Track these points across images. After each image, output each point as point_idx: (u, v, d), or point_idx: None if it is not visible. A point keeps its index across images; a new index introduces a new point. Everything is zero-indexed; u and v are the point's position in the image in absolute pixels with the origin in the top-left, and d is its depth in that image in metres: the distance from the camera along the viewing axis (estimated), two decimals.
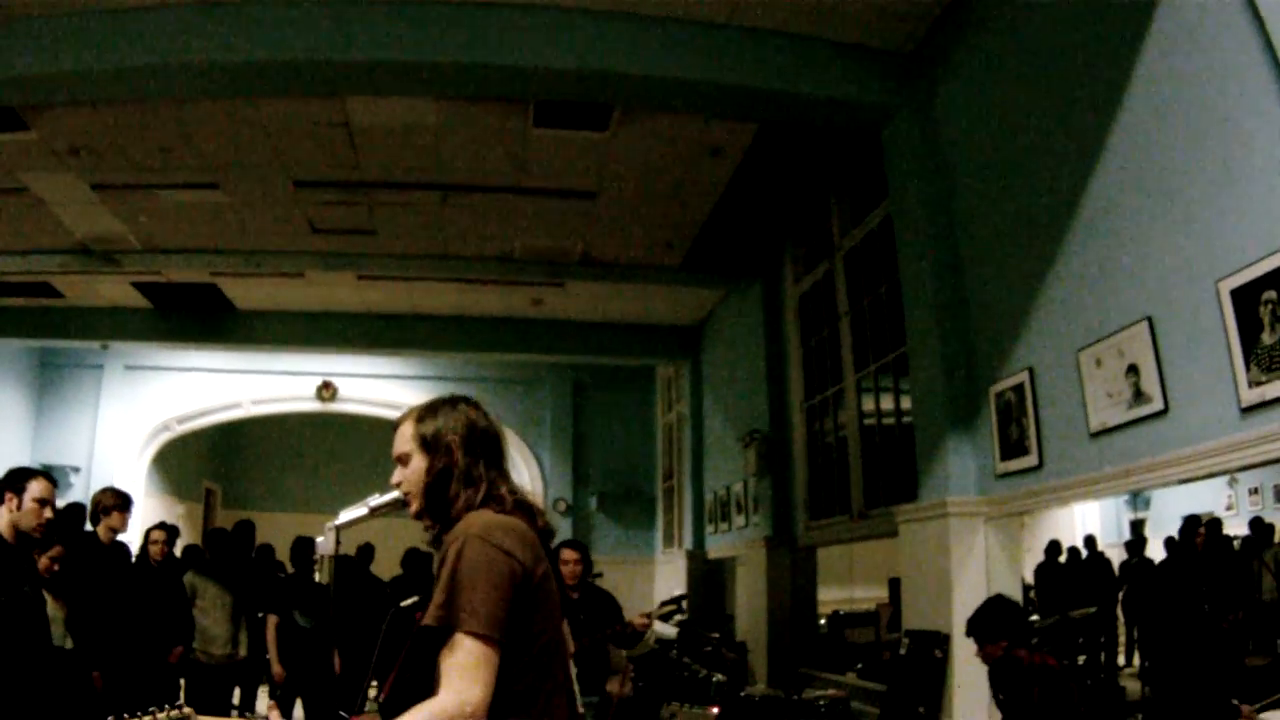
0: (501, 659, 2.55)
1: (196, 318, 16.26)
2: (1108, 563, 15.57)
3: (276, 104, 9.43)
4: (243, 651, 9.45)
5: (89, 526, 8.24)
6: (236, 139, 10.09)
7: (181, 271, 14.13)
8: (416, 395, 18.17)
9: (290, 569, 10.04)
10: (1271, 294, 4.70)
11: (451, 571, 2.58)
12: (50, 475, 5.70)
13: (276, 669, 9.11)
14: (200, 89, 8.69)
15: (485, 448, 2.94)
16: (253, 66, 8.13)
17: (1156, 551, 14.50)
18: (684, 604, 13.42)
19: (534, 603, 2.67)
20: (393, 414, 18.19)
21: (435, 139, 10.18)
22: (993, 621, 5.89)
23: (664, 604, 8.98)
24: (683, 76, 8.44)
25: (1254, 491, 17.14)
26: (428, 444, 2.91)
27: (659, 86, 8.60)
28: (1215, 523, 12.26)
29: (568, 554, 8.14)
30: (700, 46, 8.38)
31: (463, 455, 2.88)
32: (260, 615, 9.77)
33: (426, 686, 2.63)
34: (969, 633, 5.98)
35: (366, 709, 3.77)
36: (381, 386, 19.45)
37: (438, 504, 2.89)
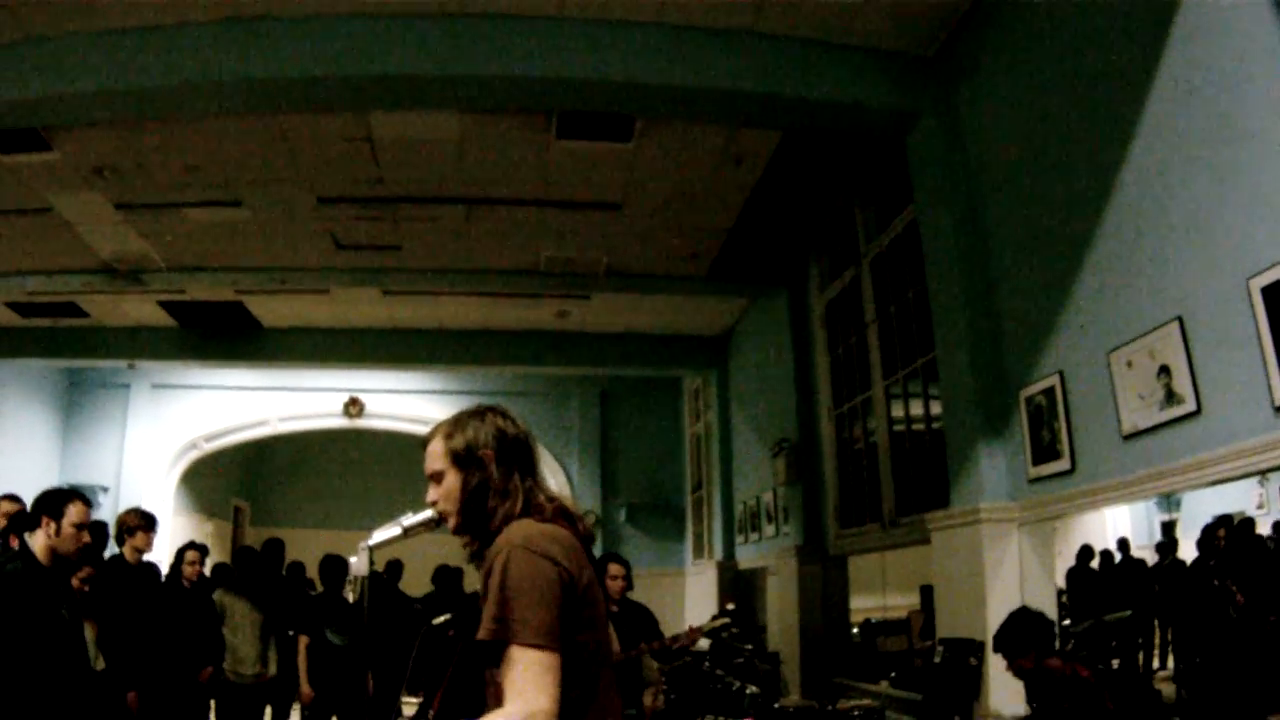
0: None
1: (222, 336, 16.33)
2: (1141, 565, 15.46)
3: (299, 120, 9.45)
4: (272, 670, 9.44)
5: (114, 548, 8.24)
6: (259, 156, 10.13)
7: (206, 290, 14.19)
8: (444, 410, 18.20)
9: (320, 587, 10.01)
10: None
11: (500, 584, 2.55)
12: (86, 498, 5.69)
13: (305, 689, 9.08)
14: (223, 106, 8.71)
15: (518, 456, 2.90)
16: (274, 83, 8.15)
17: (1189, 552, 14.39)
18: (733, 616, 13.37)
19: (581, 611, 2.64)
20: (420, 429, 18.32)
21: (458, 152, 10.18)
22: (1019, 635, 5.83)
23: (715, 617, 8.90)
24: (705, 85, 8.42)
25: None
26: (460, 459, 2.87)
27: (681, 96, 8.57)
28: (1248, 522, 12.13)
29: (615, 569, 8.13)
30: (722, 55, 8.36)
31: (496, 467, 2.84)
32: (291, 634, 9.75)
33: (476, 703, 2.60)
34: (997, 649, 5.93)
35: None
36: (409, 402, 19.48)
37: (476, 519, 2.85)
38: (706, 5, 8.08)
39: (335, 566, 9.61)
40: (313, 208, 11.38)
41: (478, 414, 2.97)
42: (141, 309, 15.25)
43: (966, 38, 8.38)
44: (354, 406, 19.28)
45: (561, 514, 2.83)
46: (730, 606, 14.05)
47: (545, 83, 8.35)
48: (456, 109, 9.25)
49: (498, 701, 2.51)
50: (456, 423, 2.95)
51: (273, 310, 15.72)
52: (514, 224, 12.03)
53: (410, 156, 10.25)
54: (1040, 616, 5.89)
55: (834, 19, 8.23)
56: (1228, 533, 11.24)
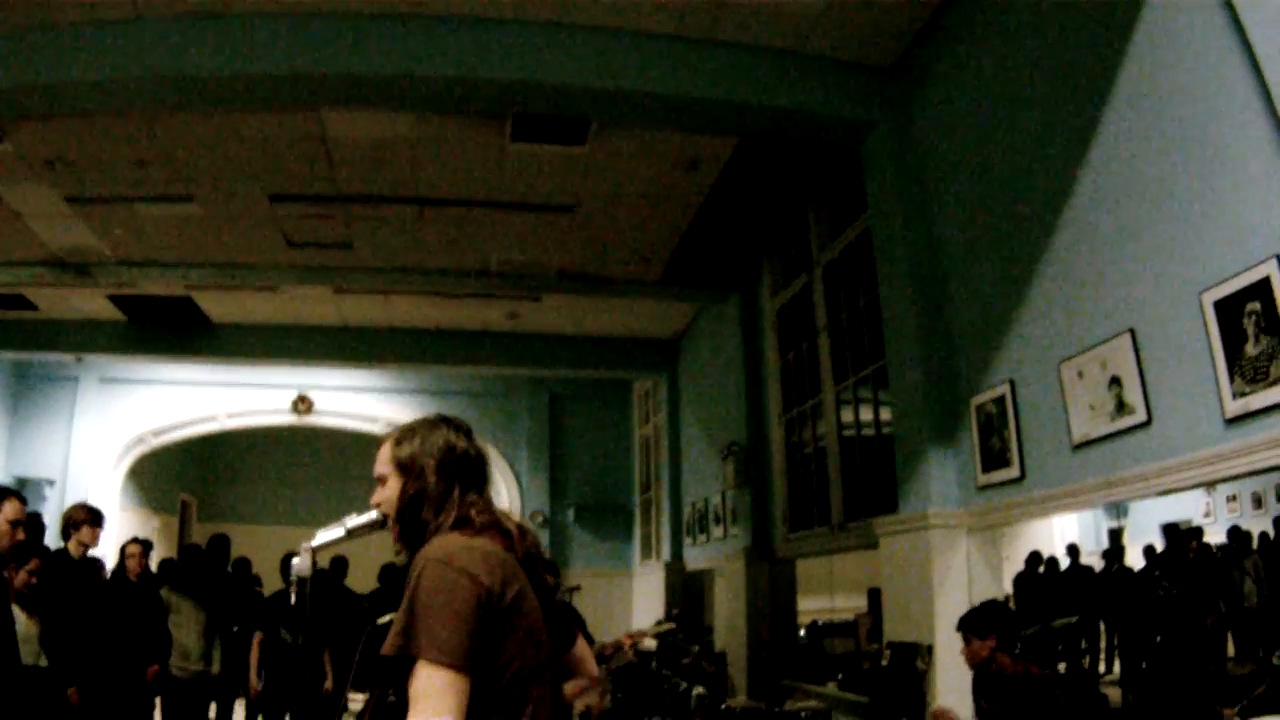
0: (471, 689, 2.47)
1: (171, 331, 16.19)
2: (1088, 571, 15.63)
3: (253, 117, 9.39)
4: (216, 668, 9.38)
5: (60, 542, 8.17)
6: (212, 152, 10.05)
7: (156, 284, 14.06)
8: (393, 408, 18.22)
9: (266, 584, 9.95)
10: (1255, 305, 4.72)
11: (411, 598, 2.52)
12: (21, 495, 5.66)
13: (254, 683, 9.04)
14: (176, 102, 8.65)
15: (463, 471, 2.89)
16: (229, 79, 8.08)
17: (1135, 559, 14.56)
18: (680, 622, 13.38)
19: (504, 629, 2.60)
20: (369, 427, 18.31)
21: (412, 153, 10.16)
22: (988, 618, 5.92)
23: (660, 623, 8.93)
24: (661, 91, 8.44)
25: (1232, 499, 17.25)
26: (403, 466, 2.87)
27: (637, 101, 8.59)
28: (1196, 531, 12.32)
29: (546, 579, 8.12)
30: (678, 61, 8.38)
31: (435, 479, 2.83)
32: (235, 630, 9.71)
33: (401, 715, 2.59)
34: (961, 627, 6.02)
35: None
36: (358, 399, 19.40)
37: (410, 528, 2.85)
38: (664, 11, 8.09)
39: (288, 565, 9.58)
40: (265, 205, 11.31)
41: (432, 424, 2.97)
42: (91, 302, 15.10)
43: (923, 49, 8.45)
44: (303, 403, 19.18)
45: (493, 527, 2.81)
46: (675, 611, 14.10)
47: (501, 85, 8.33)
48: (411, 109, 9.22)
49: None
50: (409, 430, 2.96)
51: (223, 306, 15.61)
52: (466, 225, 12.01)
53: (364, 156, 10.21)
54: (1011, 612, 5.98)
55: (792, 28, 8.27)
56: (1198, 545, 11.42)
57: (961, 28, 7.92)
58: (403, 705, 2.50)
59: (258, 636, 9.17)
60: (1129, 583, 12.91)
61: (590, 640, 8.12)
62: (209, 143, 9.88)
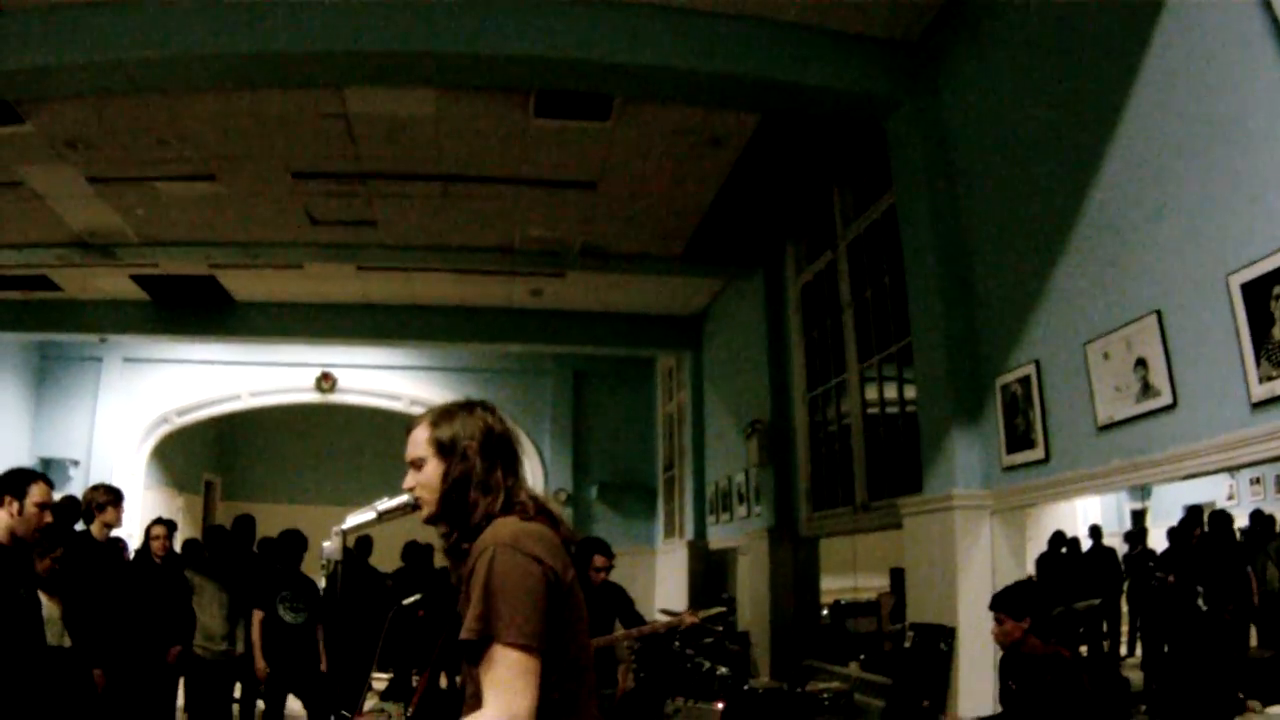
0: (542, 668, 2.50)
1: (195, 310, 16.21)
2: (1111, 553, 15.54)
3: (274, 95, 9.37)
4: (240, 648, 9.38)
5: (82, 524, 8.17)
6: (234, 130, 10.04)
7: (179, 264, 14.10)
8: (416, 386, 18.23)
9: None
10: None
11: (485, 582, 2.52)
12: (48, 479, 5.65)
13: (260, 664, 9.02)
14: (197, 81, 8.65)
15: (502, 453, 2.87)
16: (250, 58, 8.06)
17: (1158, 541, 14.47)
18: (730, 606, 13.37)
19: (566, 609, 2.63)
20: (392, 405, 18.32)
21: (435, 129, 10.12)
22: (1024, 598, 5.88)
23: (713, 608, 8.90)
24: (685, 67, 8.38)
25: (1256, 482, 17.11)
26: (444, 449, 2.85)
27: (661, 76, 8.54)
28: (1224, 515, 12.21)
29: (600, 560, 8.09)
30: (702, 36, 8.32)
31: (480, 461, 2.82)
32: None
33: (452, 706, 2.58)
34: (995, 606, 5.96)
35: (369, 708, 3.71)
36: (381, 377, 19.42)
37: (455, 511, 2.82)
38: None
39: (292, 542, 9.54)
40: (287, 183, 11.30)
41: (467, 407, 2.95)
42: (114, 283, 15.13)
43: (949, 24, 8.37)
44: (326, 381, 19.21)
45: (544, 513, 2.82)
46: (726, 595, 14.10)
47: (524, 61, 8.28)
48: (433, 86, 9.19)
49: (476, 699, 2.50)
50: (445, 413, 2.93)
51: (246, 285, 15.63)
52: (490, 202, 11.98)
53: (386, 133, 10.18)
54: (1047, 594, 5.92)
55: (816, 4, 8.21)
56: (1202, 531, 11.32)
57: (986, 2, 7.84)
58: (455, 691, 2.50)
59: (257, 615, 9.11)
60: (1151, 566, 12.83)
61: (640, 619, 8.14)
62: (230, 121, 9.87)
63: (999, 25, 7.69)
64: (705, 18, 8.30)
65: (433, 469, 2.85)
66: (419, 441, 2.90)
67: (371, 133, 10.17)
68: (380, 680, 11.37)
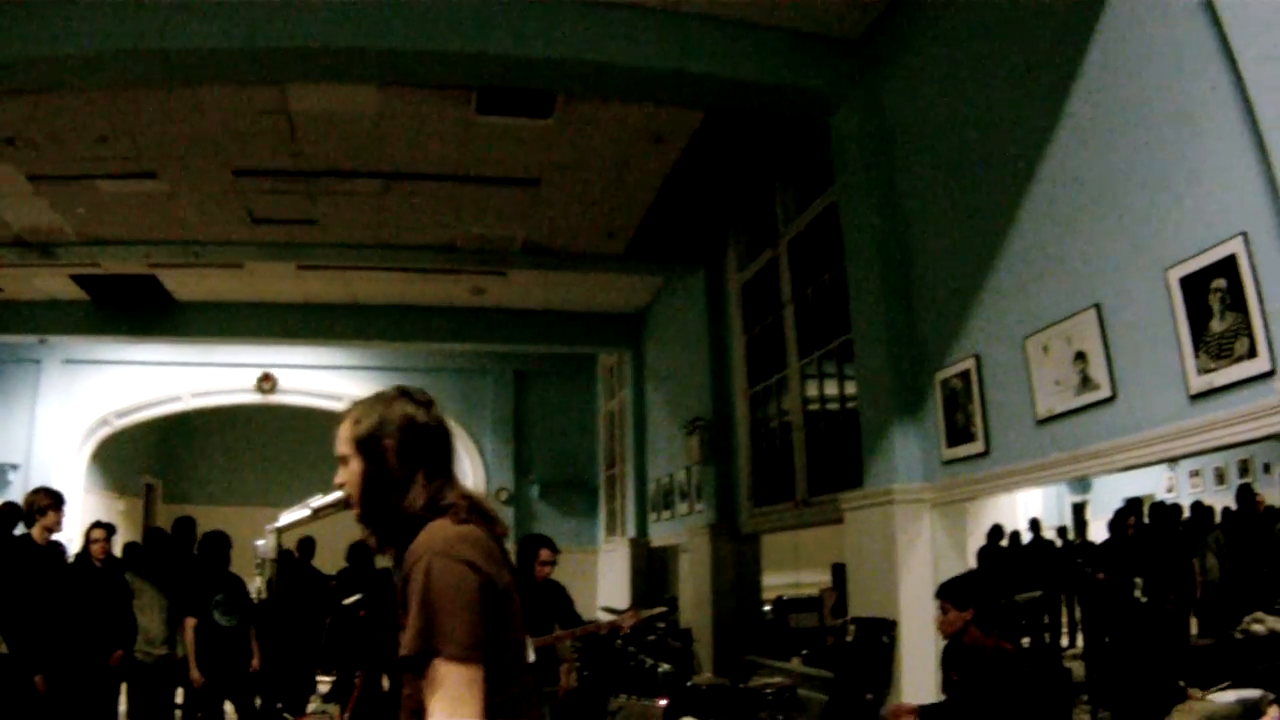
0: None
1: (135, 310, 16.01)
2: (1051, 546, 15.71)
3: (215, 91, 9.28)
4: (180, 652, 9.30)
5: (22, 528, 8.07)
6: (175, 127, 9.94)
7: (120, 263, 13.93)
8: (357, 386, 18.09)
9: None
10: (1221, 282, 4.75)
11: (421, 593, 2.46)
12: None
13: (194, 674, 8.92)
14: (138, 77, 8.52)
15: (427, 448, 2.76)
16: (191, 53, 7.93)
17: (1098, 534, 14.63)
18: (672, 606, 13.37)
19: (503, 613, 2.57)
20: (334, 405, 18.17)
21: (377, 126, 10.08)
22: (968, 589, 5.90)
23: (655, 606, 8.90)
24: (627, 63, 8.37)
25: (1195, 474, 17.38)
26: (362, 446, 2.74)
27: (604, 73, 8.52)
28: (1168, 507, 12.38)
29: (546, 554, 8.03)
30: (645, 33, 8.31)
31: (398, 458, 2.72)
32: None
33: (396, 701, 2.55)
34: (940, 595, 5.99)
35: (313, 709, 3.67)
36: (322, 377, 19.32)
37: (373, 512, 2.74)
38: None
39: (217, 544, 9.44)
40: (229, 180, 11.21)
41: (389, 399, 2.83)
42: (53, 282, 14.94)
43: (892, 22, 8.42)
44: (267, 382, 19.08)
45: (476, 512, 2.72)
46: (671, 596, 14.11)
47: (466, 57, 8.22)
48: (375, 83, 9.15)
49: (417, 710, 2.46)
50: (365, 406, 2.82)
51: (186, 284, 15.48)
52: (432, 199, 11.95)
53: (328, 130, 10.13)
54: (990, 584, 5.96)
55: (760, 1, 8.23)
56: (1138, 522, 11.44)
57: (926, 2, 7.90)
58: (395, 693, 2.47)
59: (189, 622, 8.99)
60: (1091, 558, 12.98)
61: (579, 619, 8.12)
62: (171, 118, 9.77)
63: (942, 22, 7.75)
64: (648, 14, 8.30)
65: (354, 467, 2.76)
66: (342, 439, 2.80)
67: (313, 130, 10.11)
68: (325, 683, 11.30)
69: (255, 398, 19.43)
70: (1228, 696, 5.91)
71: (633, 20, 8.29)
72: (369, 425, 2.75)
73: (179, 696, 9.75)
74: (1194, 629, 11.63)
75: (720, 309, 13.54)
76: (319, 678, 9.97)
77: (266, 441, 23.10)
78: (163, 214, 12.18)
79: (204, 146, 10.39)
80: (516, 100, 9.50)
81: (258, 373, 19.13)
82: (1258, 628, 8.49)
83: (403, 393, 2.85)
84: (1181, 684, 7.19)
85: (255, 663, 9.26)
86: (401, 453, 2.72)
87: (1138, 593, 10.06)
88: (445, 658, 2.40)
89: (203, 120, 9.82)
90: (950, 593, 5.94)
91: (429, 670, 2.41)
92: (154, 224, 12.51)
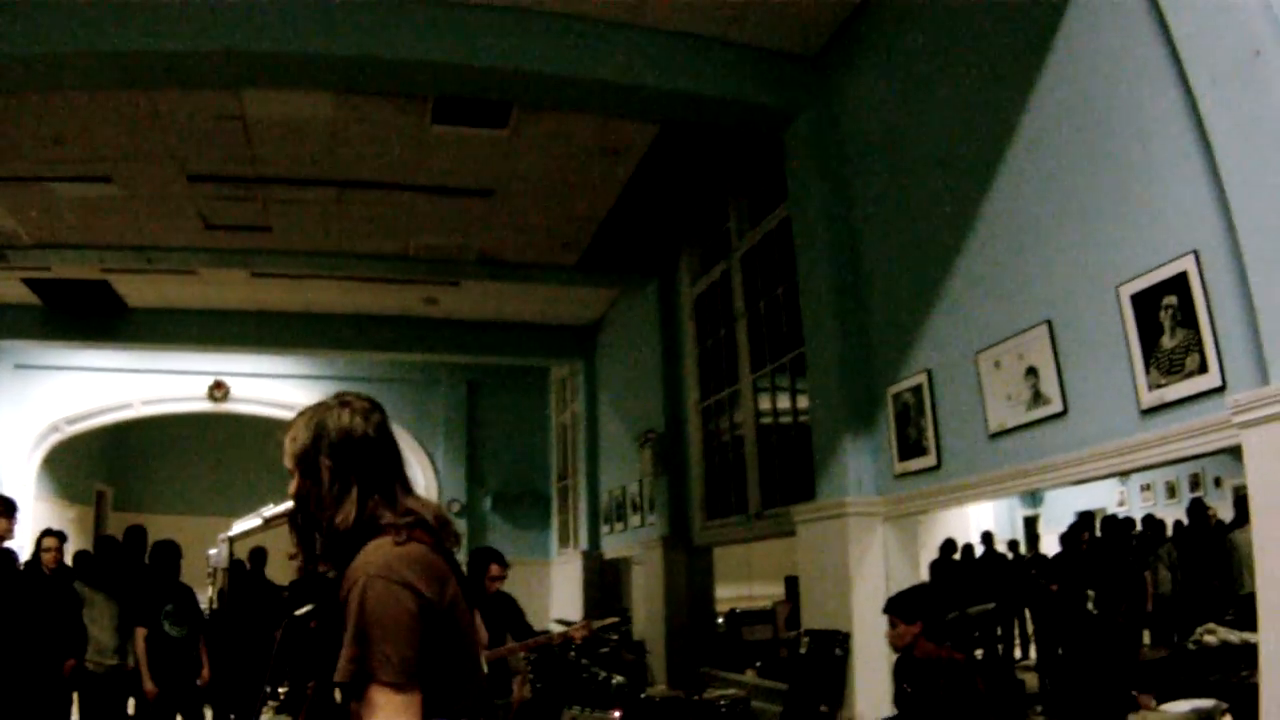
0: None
1: (88, 315, 15.84)
2: (1003, 559, 15.82)
3: (171, 96, 9.21)
4: (131, 661, 9.22)
5: None
6: (130, 131, 9.85)
7: (73, 268, 13.78)
8: (310, 395, 17.92)
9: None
10: (1172, 299, 4.82)
11: (357, 618, 2.41)
12: None
13: (148, 685, 8.83)
14: (94, 80, 8.45)
15: (365, 461, 2.67)
16: (147, 57, 7.87)
17: (1050, 547, 14.75)
18: (624, 616, 13.36)
19: (446, 632, 2.52)
20: (285, 414, 17.93)
21: (332, 134, 10.05)
22: (916, 602, 5.95)
23: (608, 618, 8.88)
24: (584, 75, 8.39)
25: (1146, 488, 17.58)
26: (300, 460, 2.68)
27: (560, 85, 8.54)
28: (1120, 521, 12.54)
29: (497, 570, 8.00)
30: (603, 45, 8.34)
31: (330, 476, 2.63)
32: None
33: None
34: (888, 609, 6.03)
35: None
36: (274, 386, 19.16)
37: (305, 529, 2.71)
38: None
39: (167, 553, 9.36)
40: (183, 186, 11.12)
41: (328, 408, 2.75)
42: (5, 287, 14.74)
43: (848, 39, 8.48)
44: (219, 390, 18.94)
45: (420, 527, 2.64)
46: (624, 607, 14.09)
47: (423, 67, 8.23)
48: (331, 90, 9.12)
49: None
50: (304, 419, 2.75)
51: (139, 290, 15.33)
52: (386, 208, 11.91)
53: (283, 137, 10.07)
54: (940, 597, 6.00)
55: (718, 15, 8.28)
56: (1092, 536, 11.57)
57: (886, 19, 7.96)
58: (346, 708, 2.44)
59: (140, 632, 8.90)
60: (1044, 571, 13.10)
61: (531, 630, 8.10)
62: (127, 122, 9.68)
63: (898, 40, 7.81)
64: (606, 27, 8.33)
65: (295, 481, 2.71)
66: (285, 452, 2.73)
67: (268, 136, 10.05)
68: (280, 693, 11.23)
69: (207, 405, 19.22)
70: (1181, 707, 5.98)
71: (591, 33, 8.31)
72: (304, 441, 2.68)
73: (130, 707, 9.67)
74: (1146, 640, 11.77)
75: (673, 322, 13.57)
76: (276, 688, 9.88)
77: (219, 450, 22.86)
78: (117, 218, 12.07)
79: (159, 151, 10.30)
80: (472, 110, 9.49)
81: (210, 380, 18.97)
82: (1210, 639, 8.57)
83: (343, 402, 2.77)
84: (1134, 694, 7.27)
85: (205, 675, 9.19)
86: (337, 469, 2.64)
87: (1090, 604, 10.15)
88: (380, 683, 2.35)
89: (158, 125, 9.74)
90: (897, 607, 5.98)
91: (365, 695, 2.37)
92: (108, 228, 12.40)
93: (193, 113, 9.56)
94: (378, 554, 2.51)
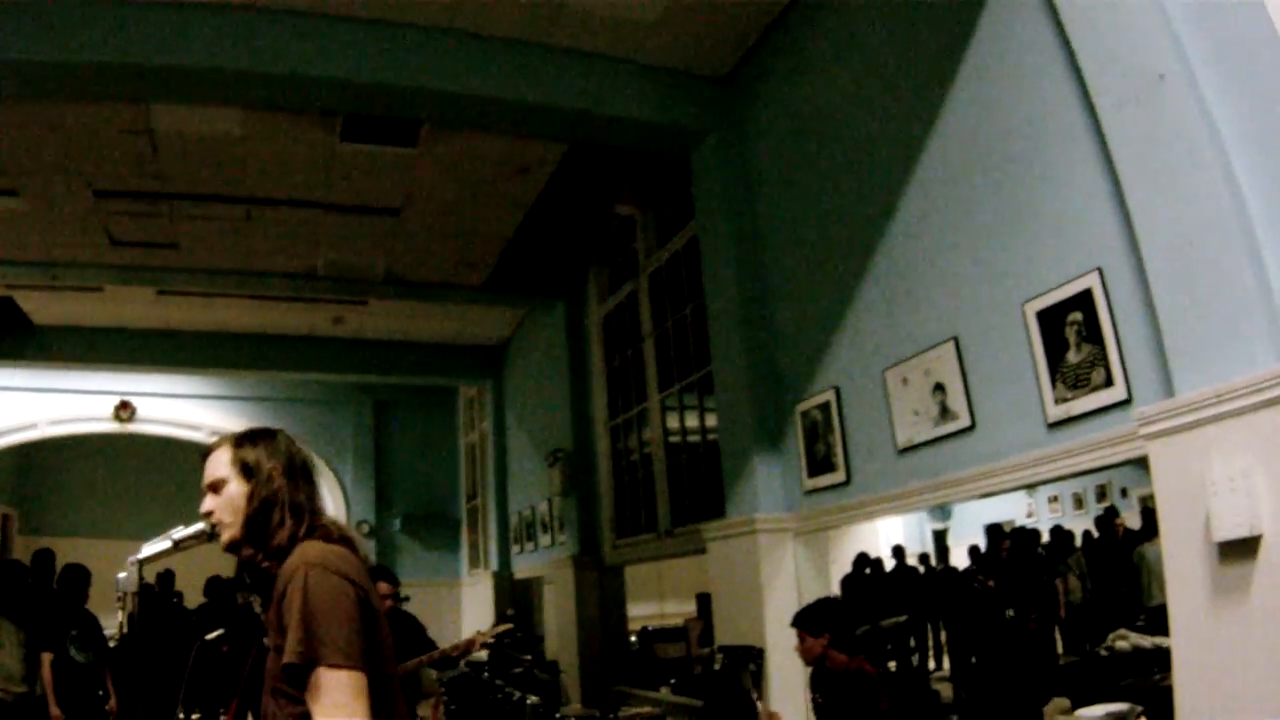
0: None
1: None
2: (914, 572, 16.00)
3: (78, 108, 9.02)
4: (39, 689, 9.06)
5: None
6: (36, 143, 9.65)
7: None
8: (217, 415, 17.81)
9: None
10: (1077, 315, 4.92)
11: (301, 604, 2.48)
12: None
13: (54, 711, 8.69)
14: None
15: (304, 479, 2.87)
16: (52, 67, 7.71)
17: (960, 559, 14.95)
18: (515, 622, 13.32)
19: (376, 631, 2.61)
20: (192, 435, 17.85)
21: (241, 150, 9.93)
22: (821, 615, 6.03)
23: (498, 623, 8.84)
24: (492, 94, 8.37)
25: (1054, 500, 17.93)
26: (248, 470, 2.81)
27: (468, 103, 8.51)
28: (1028, 532, 12.79)
29: (384, 587, 7.97)
30: (511, 65, 8.33)
31: (284, 484, 2.79)
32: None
33: None
34: (795, 624, 6.11)
35: None
36: (181, 406, 18.88)
37: (259, 532, 2.77)
38: (501, 14, 8.05)
39: (75, 578, 9.23)
40: (89, 201, 10.93)
41: (269, 433, 2.95)
42: None
43: (758, 60, 8.57)
44: (125, 410, 18.63)
45: (344, 539, 2.80)
46: (510, 612, 14.04)
47: (330, 83, 8.13)
48: (240, 105, 9.03)
49: None
50: (249, 436, 2.91)
51: (44, 307, 15.02)
52: (294, 226, 11.80)
53: (190, 152, 9.92)
54: (843, 608, 6.08)
55: (628, 36, 8.32)
56: (1011, 545, 11.81)
57: (796, 41, 8.04)
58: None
59: (46, 657, 8.76)
60: (951, 580, 13.27)
61: (433, 645, 8.06)
62: (33, 134, 9.47)
63: (806, 63, 7.88)
64: (514, 46, 8.33)
65: (236, 490, 2.81)
66: (221, 462, 2.86)
67: (176, 151, 9.89)
68: None
69: (113, 426, 18.91)
70: (1096, 711, 6.07)
71: (499, 51, 8.30)
72: (256, 453, 2.85)
73: None
74: (1059, 647, 12.00)
75: (581, 341, 13.59)
76: (182, 715, 9.75)
77: (126, 471, 22.50)
78: (21, 233, 11.81)
79: (65, 164, 10.10)
80: (381, 128, 9.46)
81: (116, 400, 18.69)
82: (1122, 644, 8.75)
83: (276, 431, 2.99)
84: (1047, 697, 7.37)
85: (112, 703, 9.05)
86: (288, 480, 2.82)
87: (1010, 612, 10.33)
88: (328, 665, 2.43)
89: (64, 137, 9.56)
90: (803, 621, 6.08)
91: (311, 678, 2.44)
92: (12, 243, 12.14)
93: (99, 126, 9.38)
94: (313, 549, 2.66)
